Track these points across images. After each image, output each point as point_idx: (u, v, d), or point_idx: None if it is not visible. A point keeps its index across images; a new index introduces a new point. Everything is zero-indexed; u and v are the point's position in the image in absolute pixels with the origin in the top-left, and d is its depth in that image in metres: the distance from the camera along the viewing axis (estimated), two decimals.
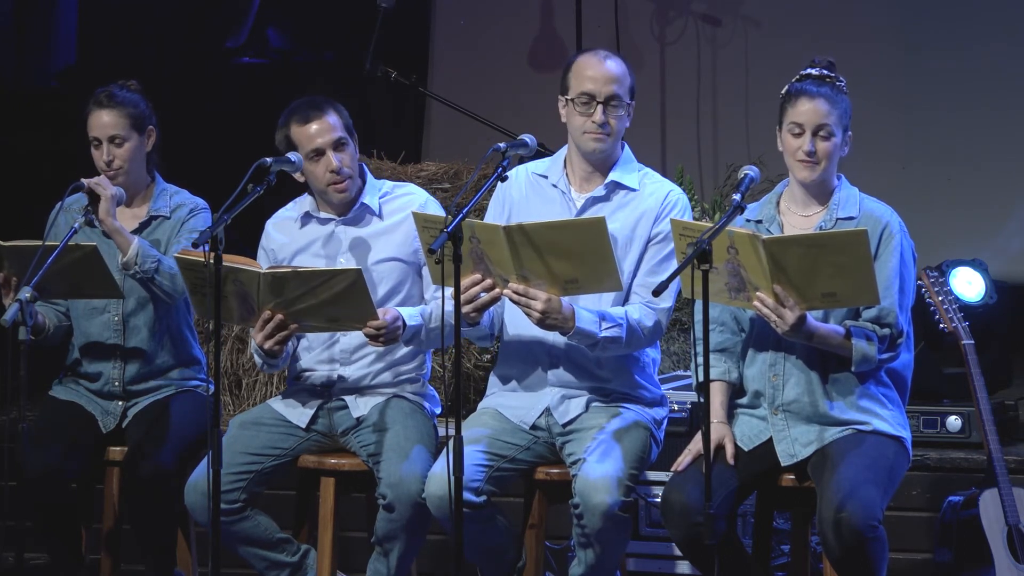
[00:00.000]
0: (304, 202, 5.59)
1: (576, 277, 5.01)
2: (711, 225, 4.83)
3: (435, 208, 5.49)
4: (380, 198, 5.55)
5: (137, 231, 5.74)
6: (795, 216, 5.18)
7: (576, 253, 4.97)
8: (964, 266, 6.52)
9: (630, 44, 8.58)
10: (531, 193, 5.40)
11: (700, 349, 4.89)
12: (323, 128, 5.42)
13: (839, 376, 5.07)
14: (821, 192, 5.15)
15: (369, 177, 5.57)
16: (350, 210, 5.52)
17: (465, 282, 5.01)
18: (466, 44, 9.02)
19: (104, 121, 5.70)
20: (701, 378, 4.87)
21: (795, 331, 4.91)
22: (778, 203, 5.21)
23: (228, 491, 5.30)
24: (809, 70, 5.15)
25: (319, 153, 5.42)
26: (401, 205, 5.50)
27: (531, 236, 4.96)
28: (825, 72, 5.14)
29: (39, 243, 5.41)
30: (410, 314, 5.33)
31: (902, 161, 8.24)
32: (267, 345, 5.23)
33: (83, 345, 5.77)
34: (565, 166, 5.38)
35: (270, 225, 5.63)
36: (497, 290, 5.06)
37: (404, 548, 5.32)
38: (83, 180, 5.55)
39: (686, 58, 8.65)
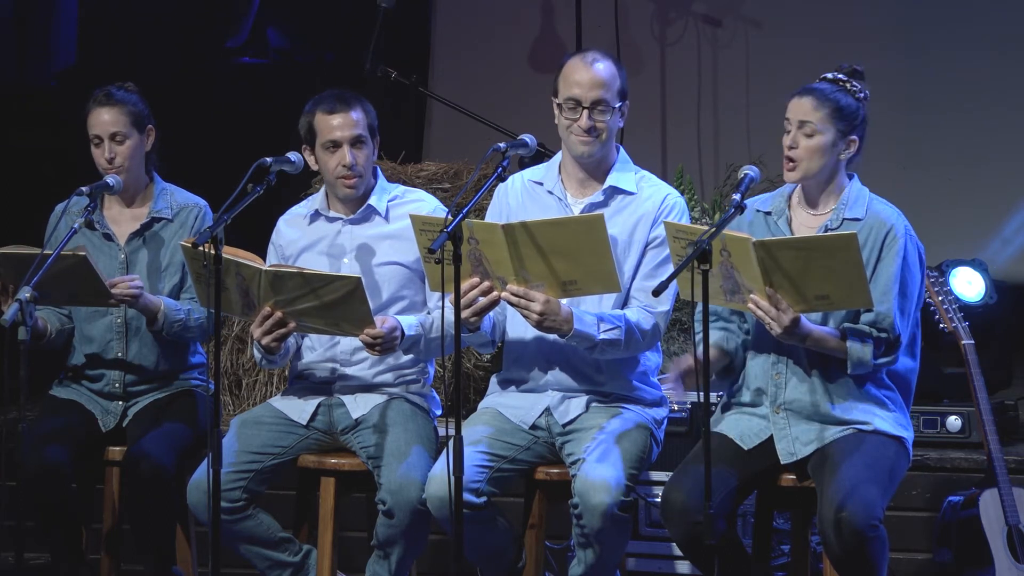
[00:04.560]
0: (316, 199, 5.60)
1: (575, 278, 5.00)
2: (704, 228, 4.81)
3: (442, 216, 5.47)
4: (389, 201, 5.54)
5: (139, 232, 5.75)
6: (804, 214, 5.16)
7: (575, 251, 4.96)
8: (964, 266, 6.53)
9: (630, 45, 8.57)
10: (528, 200, 5.39)
11: (699, 328, 4.90)
12: (346, 122, 5.43)
13: (841, 377, 5.06)
14: (819, 189, 5.11)
15: (381, 179, 5.57)
16: (357, 210, 5.52)
17: (463, 286, 5.01)
18: (466, 44, 9.02)
19: (105, 119, 5.70)
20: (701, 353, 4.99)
21: (789, 333, 4.89)
22: (790, 196, 5.21)
23: (229, 490, 5.30)
24: (826, 74, 5.13)
25: (336, 145, 5.43)
26: (409, 211, 5.45)
27: (531, 232, 4.95)
28: (839, 76, 5.11)
29: (36, 251, 5.40)
30: (409, 323, 5.33)
31: (902, 161, 8.24)
32: (265, 341, 5.24)
33: (85, 347, 5.76)
34: (560, 172, 5.37)
35: (282, 221, 5.65)
36: (495, 293, 5.06)
37: (404, 552, 5.32)
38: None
39: (686, 59, 8.64)
